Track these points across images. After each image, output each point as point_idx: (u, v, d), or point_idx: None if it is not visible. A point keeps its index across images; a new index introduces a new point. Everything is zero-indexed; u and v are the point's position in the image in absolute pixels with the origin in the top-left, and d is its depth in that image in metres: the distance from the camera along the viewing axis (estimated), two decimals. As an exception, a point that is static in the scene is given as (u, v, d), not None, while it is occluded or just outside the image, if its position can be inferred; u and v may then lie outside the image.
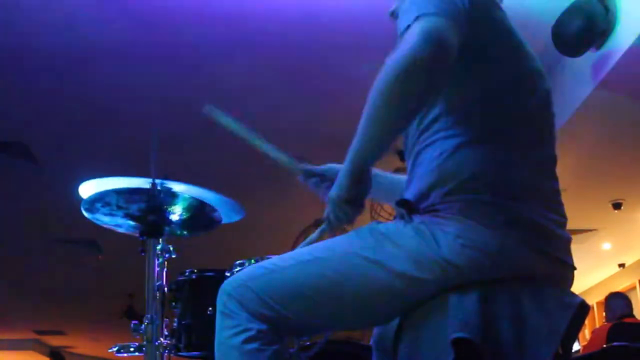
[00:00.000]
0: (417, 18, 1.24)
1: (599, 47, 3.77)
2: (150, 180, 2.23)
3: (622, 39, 3.64)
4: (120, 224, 2.38)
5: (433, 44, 1.21)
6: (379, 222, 1.40)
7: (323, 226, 1.47)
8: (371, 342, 1.50)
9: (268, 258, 1.84)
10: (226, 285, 1.44)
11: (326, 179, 1.64)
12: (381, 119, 1.28)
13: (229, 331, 1.39)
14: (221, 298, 1.43)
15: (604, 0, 3.59)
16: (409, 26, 1.25)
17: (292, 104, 4.87)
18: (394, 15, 1.53)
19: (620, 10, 3.59)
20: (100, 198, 2.25)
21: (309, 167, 1.67)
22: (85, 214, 2.32)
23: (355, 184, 1.36)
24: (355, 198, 1.37)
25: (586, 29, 3.58)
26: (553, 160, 1.46)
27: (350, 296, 1.35)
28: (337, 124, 5.08)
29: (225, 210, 2.38)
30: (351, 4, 3.81)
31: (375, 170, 1.55)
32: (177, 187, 2.27)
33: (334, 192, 1.39)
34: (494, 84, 1.37)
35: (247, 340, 1.37)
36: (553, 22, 3.68)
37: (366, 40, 3.93)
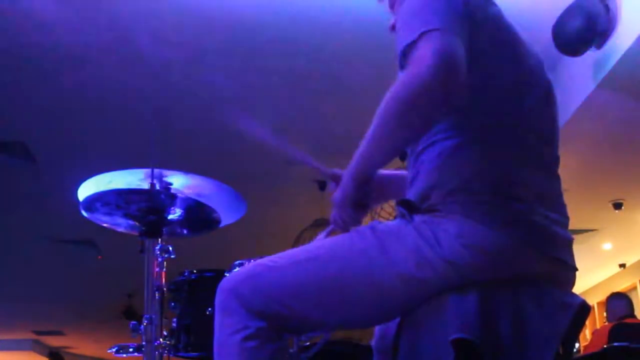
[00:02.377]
0: (422, 34, 1.22)
1: (599, 47, 3.77)
2: (150, 177, 2.23)
3: (622, 39, 3.64)
4: (119, 223, 2.38)
5: (448, 68, 1.19)
6: (380, 222, 1.39)
7: (330, 227, 1.47)
8: (372, 343, 1.50)
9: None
10: (225, 283, 1.43)
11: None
12: (391, 134, 1.28)
13: (228, 329, 1.38)
14: (220, 295, 1.42)
15: (604, 0, 3.59)
16: (414, 42, 1.23)
17: (292, 104, 4.87)
18: (394, 28, 1.52)
19: (621, 10, 3.59)
20: (100, 198, 2.25)
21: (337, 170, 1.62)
22: (85, 213, 2.31)
23: (359, 186, 1.37)
24: (359, 200, 1.38)
25: (586, 29, 3.57)
26: (555, 160, 1.45)
27: (350, 295, 1.35)
28: (338, 123, 5.10)
29: (226, 205, 2.37)
30: (351, 5, 3.81)
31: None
32: (177, 179, 2.26)
33: (338, 194, 1.40)
34: (493, 84, 1.36)
35: (246, 338, 1.36)
36: (553, 22, 3.68)
37: (366, 42, 3.94)
